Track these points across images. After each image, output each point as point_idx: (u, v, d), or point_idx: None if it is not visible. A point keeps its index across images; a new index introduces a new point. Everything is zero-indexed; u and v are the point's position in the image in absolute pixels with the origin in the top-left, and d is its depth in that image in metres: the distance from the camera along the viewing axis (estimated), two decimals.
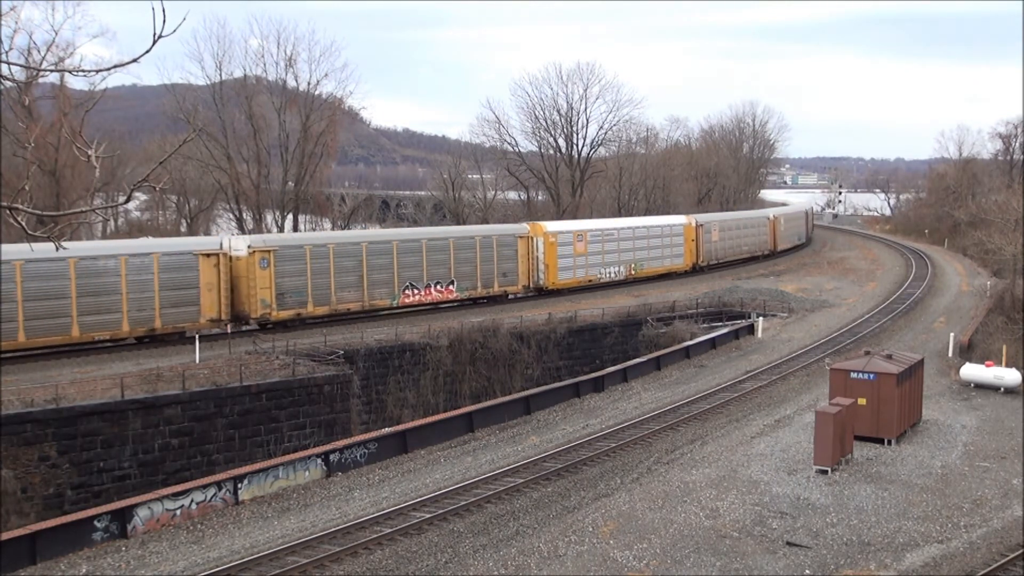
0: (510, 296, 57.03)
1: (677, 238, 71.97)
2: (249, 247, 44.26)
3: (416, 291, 51.32)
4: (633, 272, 66.36)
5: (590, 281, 62.40)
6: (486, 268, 55.06)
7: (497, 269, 55.81)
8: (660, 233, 70.28)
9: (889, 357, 31.38)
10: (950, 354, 44.00)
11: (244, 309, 44.19)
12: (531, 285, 58.23)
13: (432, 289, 52.19)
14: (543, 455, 29.12)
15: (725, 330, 49.76)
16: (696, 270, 73.47)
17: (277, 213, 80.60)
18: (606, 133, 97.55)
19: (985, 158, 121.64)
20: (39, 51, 61.95)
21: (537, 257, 58.25)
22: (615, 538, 22.16)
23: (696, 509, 24.01)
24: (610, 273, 64.30)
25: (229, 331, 42.63)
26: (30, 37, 78.09)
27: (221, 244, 44.43)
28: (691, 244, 73.63)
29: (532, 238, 58.36)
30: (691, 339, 47.35)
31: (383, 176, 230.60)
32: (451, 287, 53.12)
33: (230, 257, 43.76)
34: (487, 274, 55.20)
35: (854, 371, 30.43)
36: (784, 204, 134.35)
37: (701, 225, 75.38)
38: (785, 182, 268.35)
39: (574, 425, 33.37)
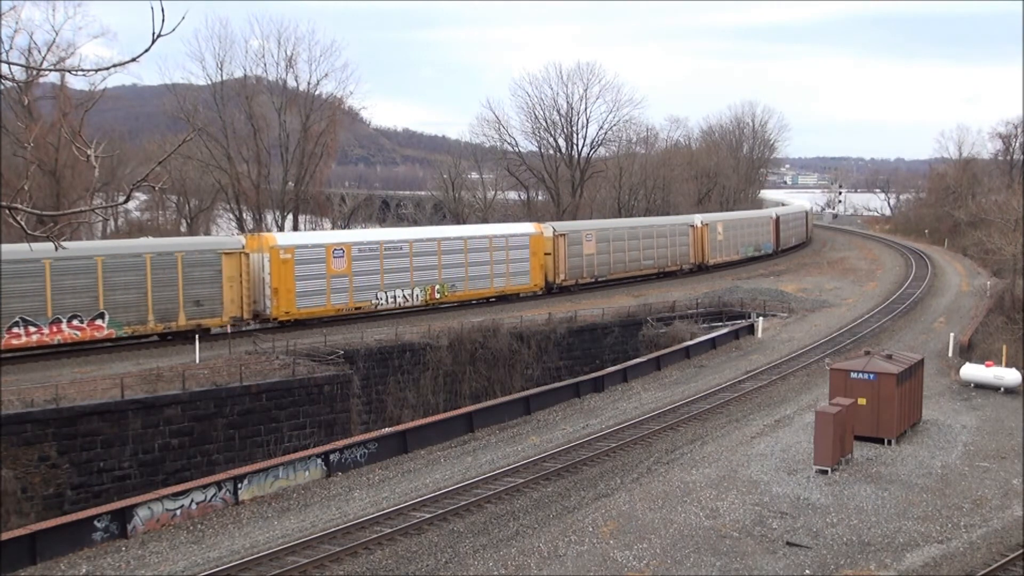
0: (212, 331, 43.12)
1: (519, 251, 57.23)
2: None
3: (31, 329, 37.10)
4: (438, 296, 52.37)
5: (357, 309, 48.06)
6: (164, 295, 41.04)
7: (184, 296, 41.59)
8: (487, 246, 55.35)
9: (889, 357, 31.38)
10: (950, 354, 43.99)
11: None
12: (245, 316, 43.82)
13: (68, 325, 38.09)
14: (543, 455, 29.12)
15: (725, 330, 49.76)
16: (555, 291, 59.73)
17: (277, 213, 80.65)
18: (606, 133, 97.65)
19: (985, 158, 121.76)
20: (39, 51, 62.04)
21: (263, 279, 44.77)
22: (615, 538, 22.16)
23: (696, 509, 24.00)
24: (393, 298, 49.92)
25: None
26: (30, 37, 78.20)
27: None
28: (544, 259, 58.78)
29: (247, 255, 43.99)
30: (691, 339, 47.35)
31: (383, 176, 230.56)
32: (99, 322, 38.99)
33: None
34: (165, 302, 40.96)
35: (854, 371, 30.43)
36: (779, 203, 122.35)
37: (562, 235, 60.28)
38: (785, 182, 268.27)
39: (574, 425, 33.37)
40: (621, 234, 66.41)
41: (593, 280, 63.24)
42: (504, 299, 56.02)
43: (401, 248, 50.78)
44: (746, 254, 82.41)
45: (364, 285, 48.62)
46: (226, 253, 43.13)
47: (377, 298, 49.26)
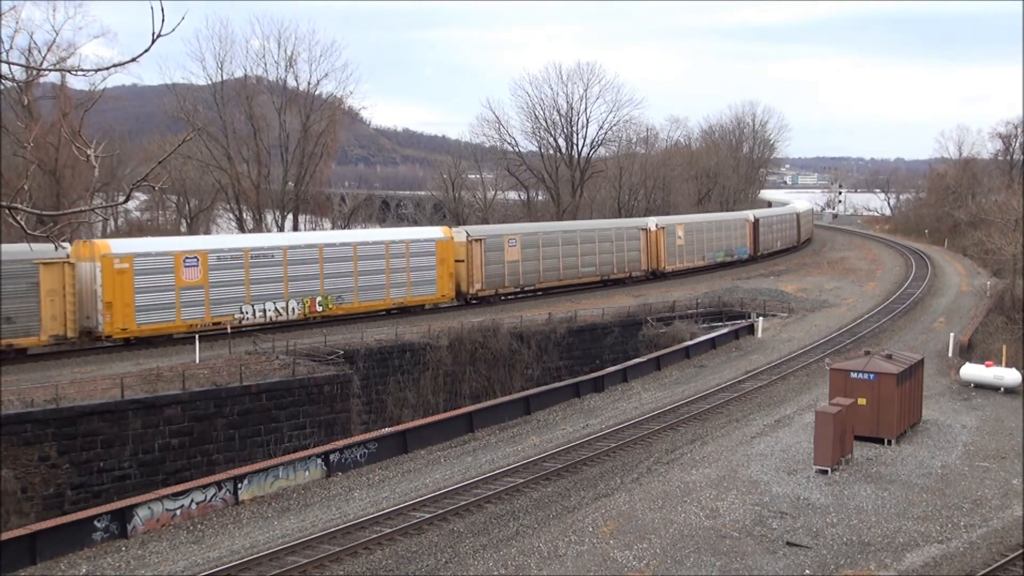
0: (28, 351, 38.08)
1: (424, 259, 51.57)
2: None
3: None
4: (320, 309, 46.73)
5: (216, 324, 42.81)
6: None
7: None
8: (383, 253, 49.71)
9: (889, 357, 31.38)
10: (950, 354, 43.99)
11: None
12: (70, 334, 38.87)
13: None
14: (543, 455, 29.12)
15: (725, 330, 49.76)
16: (473, 302, 54.72)
17: (277, 213, 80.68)
18: (606, 133, 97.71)
19: (985, 158, 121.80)
20: (39, 51, 62.06)
21: (94, 291, 39.57)
22: (615, 538, 22.16)
23: (696, 509, 24.00)
24: (263, 312, 44.68)
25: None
26: (30, 37, 78.16)
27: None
28: (456, 267, 53.54)
29: (73, 265, 39.04)
30: (691, 339, 47.36)
31: (383, 176, 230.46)
32: None
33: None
34: None
35: (854, 371, 30.43)
36: (775, 203, 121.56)
37: (477, 240, 54.84)
38: (785, 182, 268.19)
39: (574, 425, 33.38)
40: (553, 238, 60.55)
41: (518, 290, 57.74)
42: (408, 311, 50.57)
43: (272, 256, 45.18)
44: (716, 259, 76.79)
45: (224, 298, 43.20)
46: (45, 263, 37.68)
47: (242, 312, 43.84)
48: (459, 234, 54.91)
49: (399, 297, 50.68)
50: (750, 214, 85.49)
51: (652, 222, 69.95)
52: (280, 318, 45.36)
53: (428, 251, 52.03)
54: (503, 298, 56.60)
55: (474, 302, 54.71)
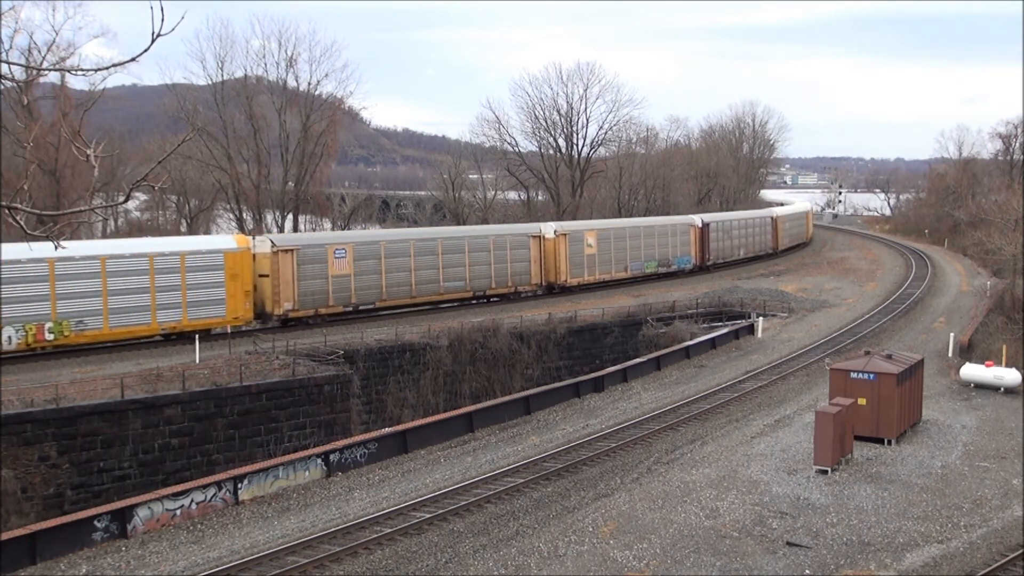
0: None
1: (208, 274, 42.98)
2: None
3: None
4: (50, 337, 38.19)
5: None
6: None
7: None
8: (145, 268, 41.11)
9: (889, 357, 31.38)
10: (950, 354, 43.99)
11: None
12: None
13: None
14: (543, 455, 29.11)
15: (725, 330, 49.76)
16: (290, 324, 46.20)
17: (277, 213, 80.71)
18: (606, 133, 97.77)
19: (985, 158, 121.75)
20: (39, 51, 62.09)
21: None
22: (615, 538, 22.16)
23: (696, 509, 24.00)
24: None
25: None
26: (30, 37, 78.26)
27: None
28: (260, 283, 45.17)
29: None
30: (691, 339, 47.36)
31: (383, 176, 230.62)
32: None
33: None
34: None
35: (854, 371, 30.43)
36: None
37: (289, 251, 45.67)
38: (785, 182, 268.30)
39: (574, 425, 33.37)
40: (400, 248, 51.15)
41: (350, 309, 48.43)
42: (187, 337, 41.21)
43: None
44: (644, 270, 67.69)
45: None
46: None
47: None
48: (262, 243, 45.77)
49: (171, 320, 41.92)
50: (697, 218, 75.40)
51: (550, 228, 60.62)
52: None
53: (213, 264, 43.25)
54: (329, 320, 47.20)
55: (292, 324, 46.06)
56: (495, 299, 55.87)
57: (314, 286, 46.67)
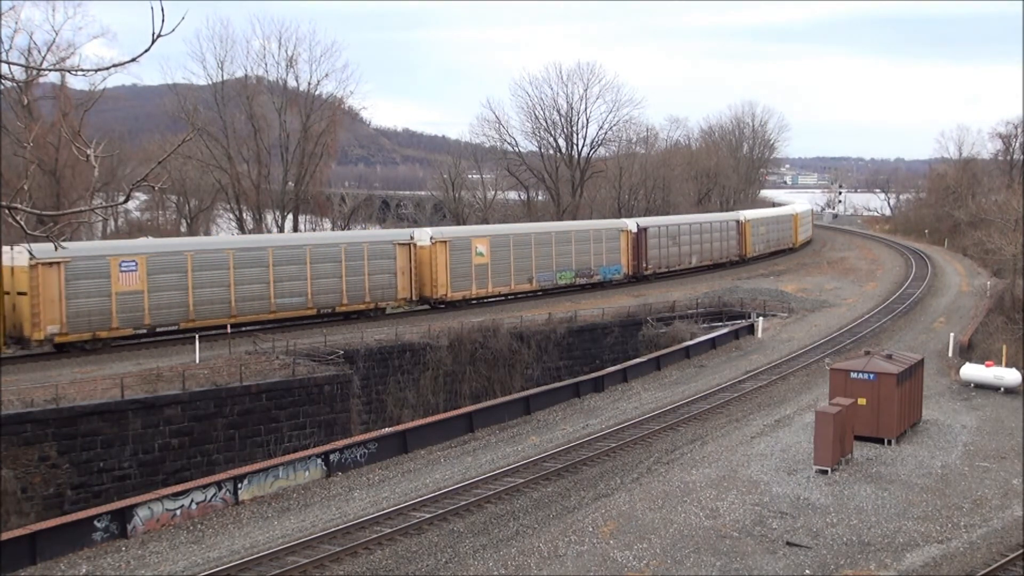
0: None
1: None
2: None
3: None
4: None
5: None
6: None
7: None
8: None
9: (889, 357, 31.38)
10: (950, 354, 43.99)
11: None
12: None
13: None
14: (543, 455, 29.12)
15: (725, 330, 49.76)
16: (62, 348, 39.17)
17: (277, 213, 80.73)
18: (606, 133, 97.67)
19: (985, 158, 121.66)
20: (39, 51, 62.08)
21: None
22: (615, 538, 22.16)
23: (696, 509, 24.01)
24: None
25: None
26: (30, 37, 78.29)
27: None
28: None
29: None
30: (691, 339, 47.35)
31: (383, 176, 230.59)
32: None
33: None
34: None
35: (854, 371, 30.43)
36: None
37: (51, 265, 37.77)
38: (785, 182, 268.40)
39: (574, 425, 33.37)
40: (216, 259, 43.43)
41: (143, 331, 41.14)
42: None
43: None
44: (555, 282, 60.03)
45: None
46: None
47: None
48: (19, 256, 37.72)
49: None
50: (632, 222, 67.90)
51: (425, 234, 53.51)
52: None
53: None
54: (110, 344, 40.37)
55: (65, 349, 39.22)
56: (354, 316, 48.88)
57: (90, 305, 39.41)
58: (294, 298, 46.18)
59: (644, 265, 67.35)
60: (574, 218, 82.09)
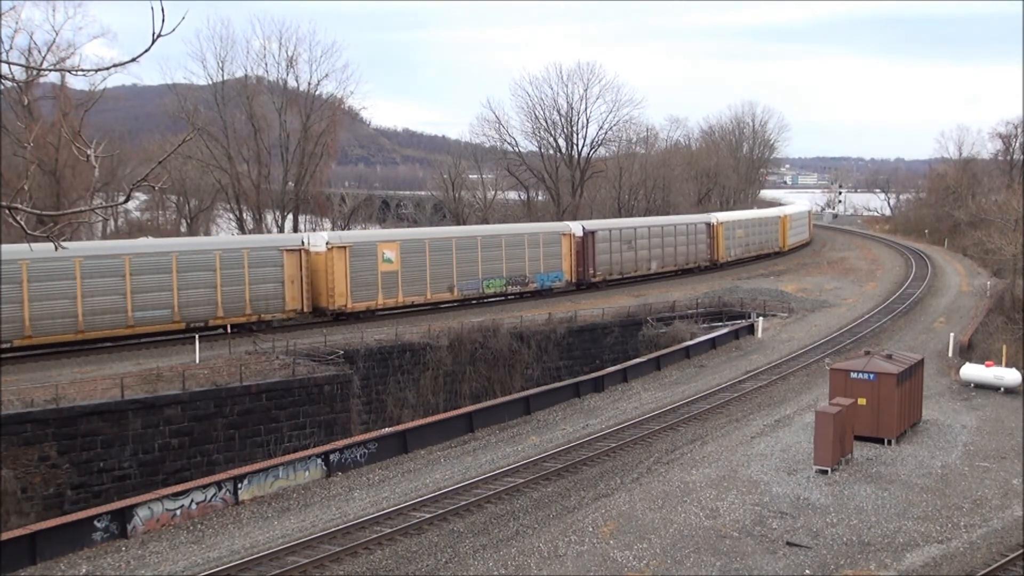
0: None
1: None
2: None
3: None
4: None
5: None
6: None
7: None
8: None
9: (889, 357, 31.38)
10: (950, 354, 43.99)
11: None
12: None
13: None
14: (543, 455, 29.12)
15: (725, 330, 49.76)
16: None
17: (277, 213, 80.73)
18: (606, 133, 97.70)
19: (985, 158, 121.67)
20: (39, 51, 62.10)
21: None
22: (615, 538, 22.16)
23: (696, 509, 24.00)
24: None
25: None
26: (30, 37, 78.41)
27: None
28: None
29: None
30: (691, 339, 47.36)
31: (383, 176, 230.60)
32: None
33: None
34: None
35: (854, 371, 30.43)
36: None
37: None
38: (785, 182, 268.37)
39: (574, 425, 33.37)
40: (60, 268, 38.62)
41: (7, 344, 37.29)
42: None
43: None
44: (481, 290, 55.40)
45: None
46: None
47: None
48: None
49: None
50: (576, 225, 63.18)
51: (320, 239, 48.69)
52: None
53: None
54: None
55: None
56: (236, 330, 44.01)
57: None
58: (160, 311, 41.69)
59: (592, 272, 62.71)
60: (574, 218, 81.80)
